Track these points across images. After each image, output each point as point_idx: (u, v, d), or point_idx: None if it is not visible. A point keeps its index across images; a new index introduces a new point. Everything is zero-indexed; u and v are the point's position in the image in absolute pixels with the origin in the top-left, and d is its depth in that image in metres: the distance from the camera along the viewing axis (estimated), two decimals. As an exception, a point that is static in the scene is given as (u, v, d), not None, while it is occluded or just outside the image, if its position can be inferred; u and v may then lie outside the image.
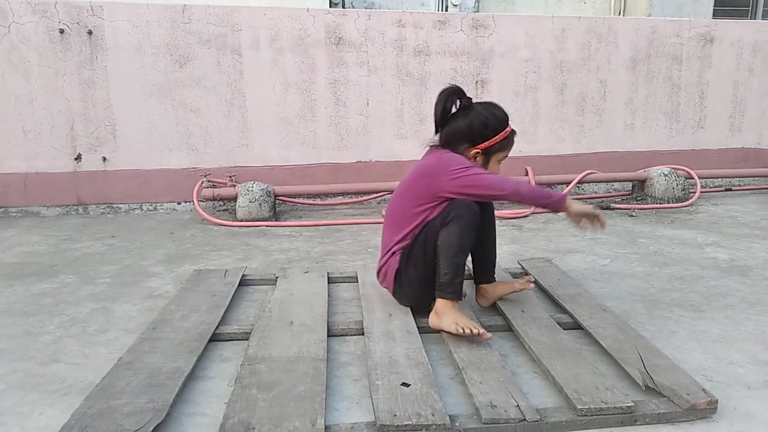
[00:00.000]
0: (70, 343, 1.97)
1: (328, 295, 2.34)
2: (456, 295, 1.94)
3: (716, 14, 6.48)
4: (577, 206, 2.00)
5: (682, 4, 6.45)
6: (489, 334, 1.84)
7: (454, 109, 2.07)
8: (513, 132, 2.09)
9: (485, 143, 2.03)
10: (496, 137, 2.04)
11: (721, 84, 5.06)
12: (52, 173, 4.12)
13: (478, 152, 2.04)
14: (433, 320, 1.97)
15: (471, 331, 1.82)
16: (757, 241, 3.31)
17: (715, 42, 4.97)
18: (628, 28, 4.79)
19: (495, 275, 2.23)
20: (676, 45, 4.90)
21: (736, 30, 5.01)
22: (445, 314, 1.93)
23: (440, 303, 1.95)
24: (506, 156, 2.11)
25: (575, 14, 6.50)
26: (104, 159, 4.17)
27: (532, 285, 2.15)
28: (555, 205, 1.99)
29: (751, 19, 6.61)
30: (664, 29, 4.86)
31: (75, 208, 4.20)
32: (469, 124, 2.03)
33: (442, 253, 1.93)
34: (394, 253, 2.08)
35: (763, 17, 6.59)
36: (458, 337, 1.87)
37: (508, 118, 2.08)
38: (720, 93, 5.08)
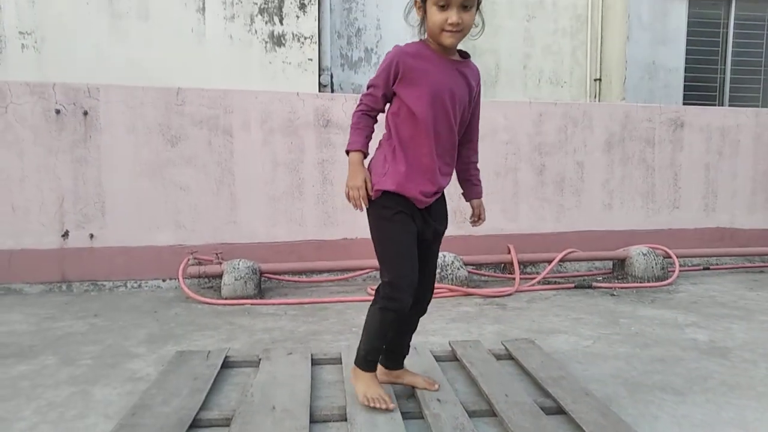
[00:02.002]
0: (46, 430, 1.92)
1: (312, 378, 2.32)
2: (369, 368, 2.04)
3: (686, 99, 6.85)
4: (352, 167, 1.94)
5: (654, 90, 6.81)
6: (393, 405, 1.96)
7: None
8: None
9: None
10: None
11: (693, 166, 5.29)
12: (38, 250, 4.12)
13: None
14: (351, 378, 2.10)
15: (377, 405, 1.94)
16: (736, 321, 3.36)
17: (685, 126, 5.23)
18: (602, 113, 5.05)
19: (404, 362, 2.22)
20: (648, 129, 5.15)
21: (705, 116, 5.29)
22: (358, 381, 2.05)
23: (356, 369, 2.07)
24: (444, 2, 1.81)
25: (553, 97, 6.84)
26: (91, 236, 4.19)
27: (436, 387, 2.13)
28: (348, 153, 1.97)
29: (718, 105, 6.99)
30: (636, 114, 5.12)
31: (59, 285, 4.17)
32: None
33: (365, 329, 2.02)
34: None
35: (730, 103, 6.97)
36: (444, 423, 1.87)
37: None
38: (693, 175, 5.29)
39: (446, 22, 1.80)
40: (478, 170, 2.23)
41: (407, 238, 1.94)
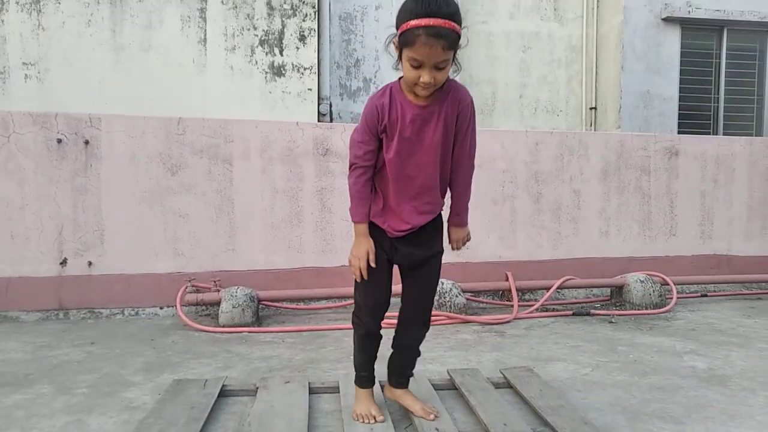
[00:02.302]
0: (41, 460, 1.91)
1: (309, 407, 2.31)
2: (360, 384, 2.18)
3: (681, 127, 6.94)
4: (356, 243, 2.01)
5: (649, 118, 6.91)
6: (381, 418, 2.09)
7: None
8: (419, 29, 1.69)
9: (397, 33, 1.80)
10: (400, 29, 1.77)
11: (689, 194, 5.33)
12: (36, 278, 4.13)
13: (395, 42, 1.84)
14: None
15: (364, 420, 2.08)
16: (734, 349, 3.36)
17: (680, 155, 5.29)
18: (597, 141, 5.11)
19: (407, 383, 2.26)
20: (643, 157, 5.21)
21: (699, 144, 5.36)
22: (355, 397, 2.22)
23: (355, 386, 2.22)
24: (419, 61, 1.75)
25: (549, 126, 6.93)
26: (90, 263, 4.20)
27: (432, 417, 2.12)
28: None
29: (712, 133, 7.08)
30: (631, 143, 5.19)
31: (56, 312, 4.16)
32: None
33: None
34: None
35: (724, 131, 7.06)
36: (440, 452, 1.87)
37: (425, 11, 1.69)
38: (689, 202, 5.33)
39: (419, 79, 1.79)
40: (462, 199, 2.14)
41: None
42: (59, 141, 4.14)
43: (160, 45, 5.12)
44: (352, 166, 1.99)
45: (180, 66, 5.16)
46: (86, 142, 4.17)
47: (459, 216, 2.14)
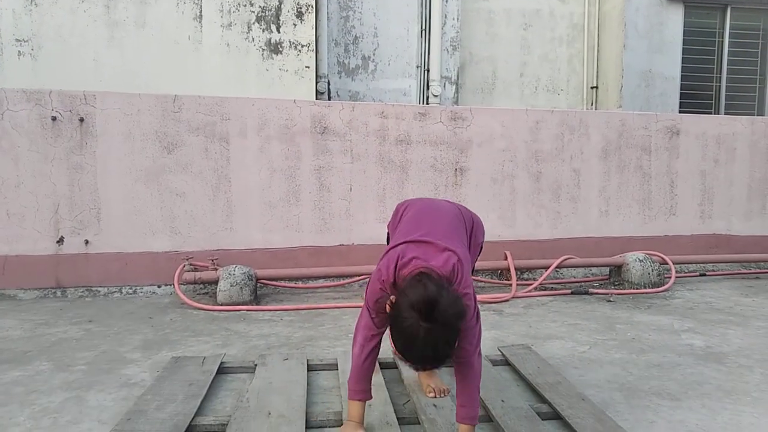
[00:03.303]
0: (39, 436, 1.91)
1: (308, 384, 2.32)
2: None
3: (683, 107, 6.87)
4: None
5: (650, 98, 6.84)
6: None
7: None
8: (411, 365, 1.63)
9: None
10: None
11: (690, 173, 5.30)
12: (33, 256, 4.11)
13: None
14: None
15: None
16: (732, 327, 3.37)
17: (681, 134, 5.25)
18: (598, 121, 5.07)
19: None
20: (644, 137, 5.17)
21: (700, 124, 5.32)
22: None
23: None
24: (412, 366, 1.66)
25: (550, 105, 6.86)
26: (86, 242, 4.18)
27: (432, 396, 2.12)
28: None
29: (714, 113, 7.02)
30: (632, 122, 5.14)
31: (53, 291, 4.15)
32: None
33: None
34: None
35: (726, 111, 7.00)
36: (440, 428, 1.87)
37: (414, 366, 1.66)
38: (689, 182, 5.31)
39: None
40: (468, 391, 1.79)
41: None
42: (54, 118, 4.09)
43: (155, 21, 5.03)
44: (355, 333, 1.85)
45: (175, 43, 5.07)
46: (81, 120, 4.13)
47: (464, 408, 1.77)
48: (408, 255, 1.74)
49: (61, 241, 4.15)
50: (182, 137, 4.29)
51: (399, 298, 1.59)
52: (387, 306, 1.66)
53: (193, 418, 1.97)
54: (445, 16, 6.52)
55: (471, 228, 2.08)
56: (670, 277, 4.61)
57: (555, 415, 2.06)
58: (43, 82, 4.82)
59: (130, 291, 4.26)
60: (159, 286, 4.30)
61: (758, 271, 5.27)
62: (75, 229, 4.17)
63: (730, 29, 6.91)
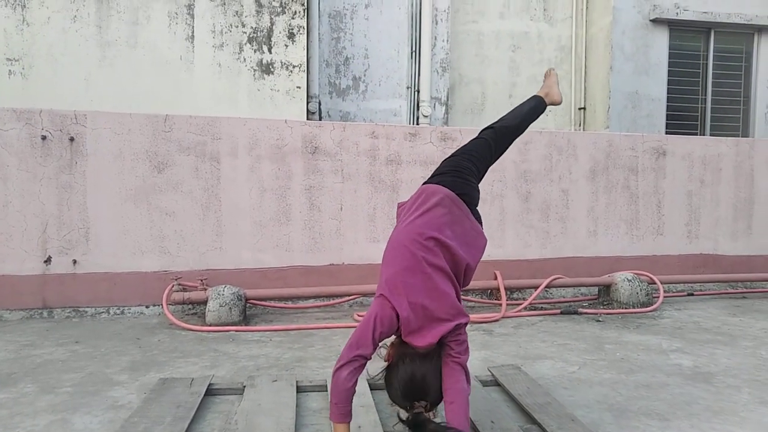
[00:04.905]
0: (23, 460, 1.88)
1: (297, 406, 2.30)
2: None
3: (669, 128, 6.98)
4: None
5: (637, 118, 6.94)
6: None
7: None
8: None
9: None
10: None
11: (676, 194, 5.37)
12: (19, 276, 4.07)
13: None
14: None
15: None
16: (720, 347, 3.39)
17: (667, 155, 5.33)
18: (585, 141, 5.13)
19: None
20: (631, 157, 5.24)
21: (686, 145, 5.40)
22: None
23: None
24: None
25: (538, 126, 6.94)
26: (74, 262, 4.15)
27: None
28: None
29: (700, 134, 7.13)
30: (619, 143, 5.21)
31: (39, 311, 4.11)
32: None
33: None
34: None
35: (711, 132, 7.11)
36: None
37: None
38: (676, 202, 5.37)
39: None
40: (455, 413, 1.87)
41: None
42: (44, 138, 4.09)
43: (147, 41, 5.07)
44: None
45: (167, 63, 5.10)
46: (71, 139, 4.13)
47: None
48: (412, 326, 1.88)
49: (48, 260, 4.12)
50: (173, 157, 4.30)
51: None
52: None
53: (180, 441, 1.95)
54: (435, 38, 6.61)
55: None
56: (658, 297, 4.64)
57: (544, 437, 2.05)
58: (34, 101, 4.82)
59: (118, 311, 4.22)
60: (147, 307, 4.27)
61: (745, 291, 5.32)
62: (63, 249, 4.14)
63: (714, 51, 7.05)
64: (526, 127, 2.48)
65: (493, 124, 2.42)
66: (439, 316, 1.88)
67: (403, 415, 1.81)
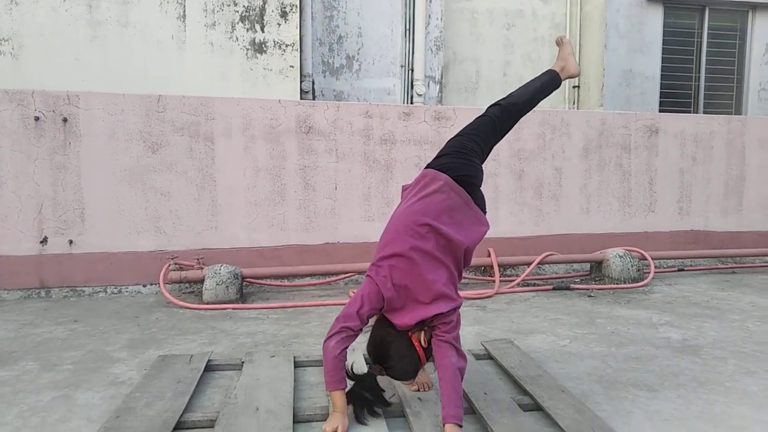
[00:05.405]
0: (28, 434, 1.93)
1: (295, 380, 2.35)
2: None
3: (663, 106, 7.00)
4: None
5: (631, 97, 6.95)
6: None
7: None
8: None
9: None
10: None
11: (668, 171, 5.42)
12: (16, 256, 4.09)
13: None
14: None
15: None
16: (708, 320, 3.46)
17: (660, 133, 5.36)
18: (579, 120, 5.15)
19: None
20: (624, 135, 5.27)
21: (679, 123, 5.43)
22: None
23: None
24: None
25: (531, 105, 6.94)
26: (71, 242, 4.17)
27: (414, 389, 2.22)
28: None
29: (693, 112, 7.15)
30: (612, 121, 5.24)
31: (37, 291, 4.14)
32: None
33: None
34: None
35: (704, 110, 7.14)
36: (424, 421, 1.92)
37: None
38: (668, 179, 5.42)
39: None
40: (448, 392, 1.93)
41: None
42: (37, 119, 4.07)
43: (138, 21, 5.02)
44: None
45: (159, 42, 5.06)
46: (64, 120, 4.12)
47: (444, 408, 1.88)
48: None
49: (44, 241, 4.13)
50: (167, 137, 4.30)
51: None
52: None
53: (181, 415, 2.00)
54: (429, 16, 6.57)
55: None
56: (649, 273, 4.71)
57: (536, 407, 2.12)
58: (25, 81, 4.78)
59: (115, 291, 4.26)
60: (144, 286, 4.30)
61: (734, 266, 5.40)
62: (59, 229, 4.15)
63: (708, 29, 7.04)
64: (536, 104, 2.43)
65: (500, 100, 2.39)
66: (421, 299, 1.99)
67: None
